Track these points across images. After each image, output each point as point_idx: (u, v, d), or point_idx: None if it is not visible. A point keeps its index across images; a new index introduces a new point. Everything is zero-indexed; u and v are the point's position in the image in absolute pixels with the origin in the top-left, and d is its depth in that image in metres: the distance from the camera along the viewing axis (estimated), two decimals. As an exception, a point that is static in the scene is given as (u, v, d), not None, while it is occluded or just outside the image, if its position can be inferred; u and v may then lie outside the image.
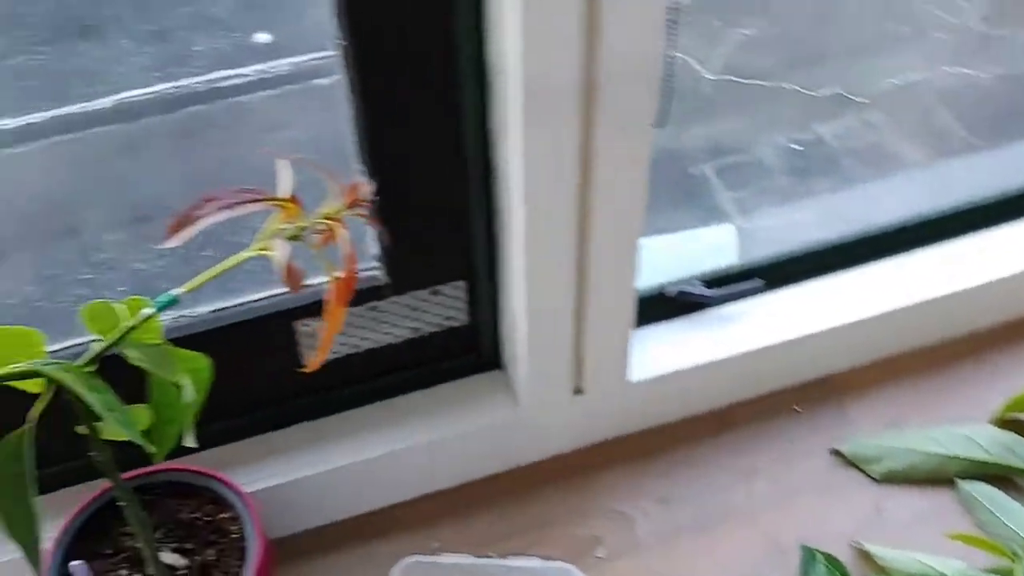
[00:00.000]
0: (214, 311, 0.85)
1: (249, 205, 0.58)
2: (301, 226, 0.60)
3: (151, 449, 0.64)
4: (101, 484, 0.81)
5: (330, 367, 0.89)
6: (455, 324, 0.90)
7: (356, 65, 0.72)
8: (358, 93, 0.73)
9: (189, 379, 0.63)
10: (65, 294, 1.05)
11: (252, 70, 1.30)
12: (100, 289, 1.07)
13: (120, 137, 1.24)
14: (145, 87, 1.25)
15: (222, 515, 0.80)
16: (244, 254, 0.60)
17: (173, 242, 0.57)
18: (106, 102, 1.24)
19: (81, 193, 1.18)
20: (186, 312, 0.84)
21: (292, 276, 0.57)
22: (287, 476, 0.88)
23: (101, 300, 0.64)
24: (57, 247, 1.11)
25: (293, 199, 0.61)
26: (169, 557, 0.77)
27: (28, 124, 1.20)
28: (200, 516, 0.81)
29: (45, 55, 1.26)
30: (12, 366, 0.60)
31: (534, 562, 0.85)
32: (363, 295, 0.85)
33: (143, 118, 1.24)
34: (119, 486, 0.69)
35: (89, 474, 0.84)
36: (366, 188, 0.61)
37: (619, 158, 0.75)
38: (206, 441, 0.72)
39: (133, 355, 0.62)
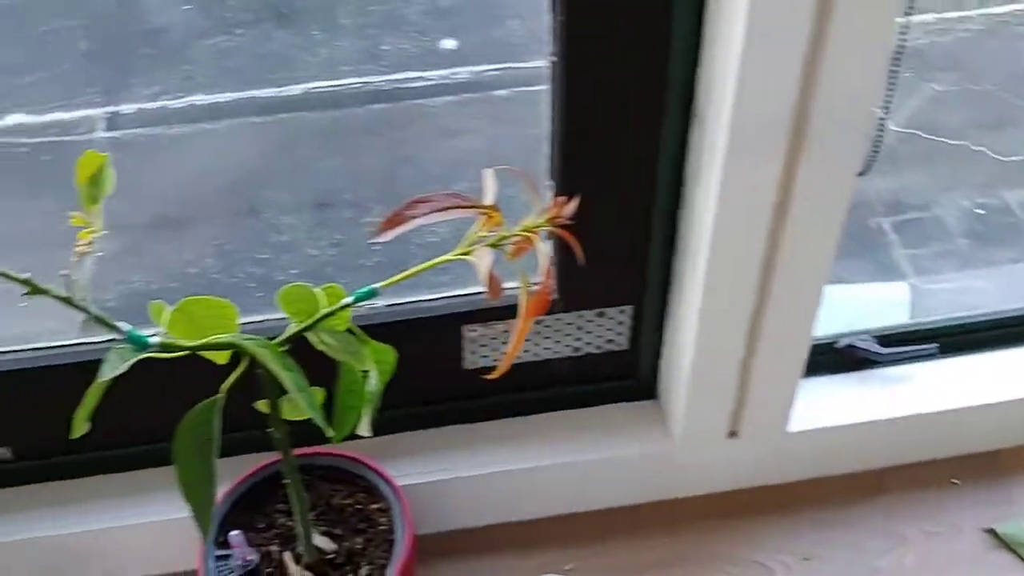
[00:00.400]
0: (388, 305, 0.86)
1: (457, 210, 0.59)
2: (503, 235, 0.61)
3: (330, 433, 0.66)
4: (261, 458, 0.83)
5: (488, 375, 0.90)
6: (615, 348, 0.90)
7: (565, 81, 0.72)
8: (561, 109, 0.74)
9: (376, 369, 0.65)
10: (241, 270, 1.09)
11: (436, 75, 1.32)
12: (273, 270, 1.10)
13: (305, 125, 1.28)
14: (333, 80, 1.29)
15: (373, 505, 0.82)
16: (446, 257, 0.61)
17: (384, 238, 0.58)
18: (296, 90, 1.28)
19: (264, 175, 1.23)
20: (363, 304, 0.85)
21: (493, 284, 0.57)
22: (435, 475, 0.89)
23: (300, 284, 0.66)
24: (238, 224, 1.15)
25: (496, 208, 0.62)
26: (319, 540, 0.79)
27: (219, 102, 1.25)
28: (352, 503, 0.82)
29: (241, 38, 1.31)
30: (213, 337, 0.62)
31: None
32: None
33: (328, 110, 1.28)
34: (289, 465, 0.72)
35: (245, 447, 0.87)
36: (569, 206, 0.61)
37: (817, 204, 0.74)
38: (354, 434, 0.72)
39: (326, 341, 0.64)
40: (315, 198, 1.20)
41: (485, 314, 0.86)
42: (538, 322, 0.87)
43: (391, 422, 0.91)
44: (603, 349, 0.90)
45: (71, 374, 0.82)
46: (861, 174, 0.75)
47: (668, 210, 0.80)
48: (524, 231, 0.61)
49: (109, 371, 0.59)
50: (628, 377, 0.92)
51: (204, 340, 0.62)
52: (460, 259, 0.60)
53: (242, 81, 1.29)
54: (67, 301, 0.58)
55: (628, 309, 0.87)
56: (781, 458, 0.94)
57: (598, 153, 0.76)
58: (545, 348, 0.89)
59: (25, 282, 0.56)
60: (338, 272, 1.13)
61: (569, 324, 0.87)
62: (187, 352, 0.62)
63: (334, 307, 0.64)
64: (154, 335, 0.61)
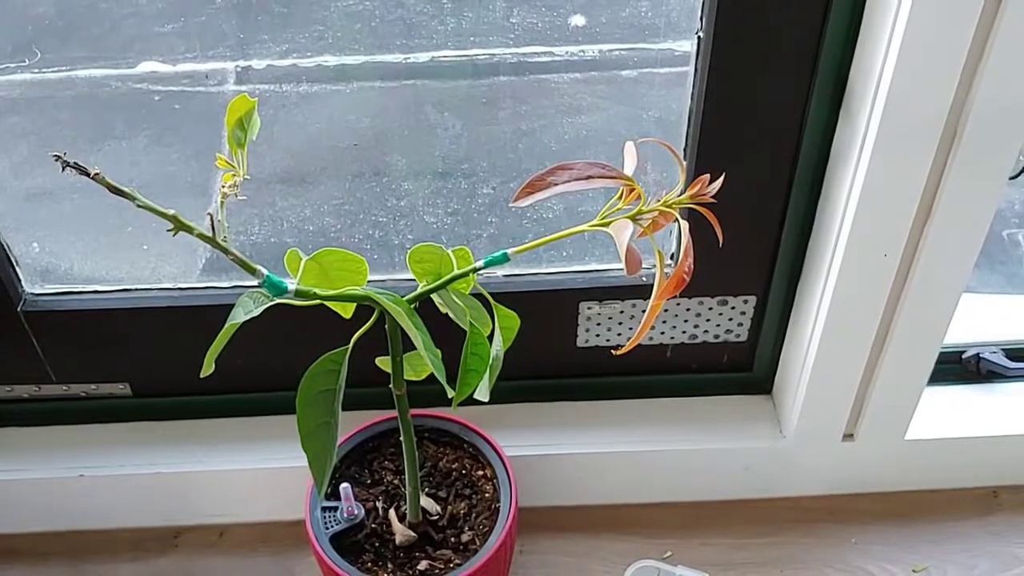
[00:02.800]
0: (507, 276, 0.86)
1: (599, 180, 0.59)
2: (641, 209, 0.60)
3: (451, 394, 0.66)
4: (368, 416, 0.84)
5: (600, 354, 0.89)
6: (733, 339, 0.88)
7: (710, 59, 0.71)
8: (702, 87, 0.72)
9: (501, 335, 0.65)
10: (358, 231, 1.10)
11: (563, 51, 1.31)
12: (389, 233, 1.11)
13: (429, 93, 1.28)
14: (460, 50, 1.28)
15: (479, 472, 0.82)
16: (581, 227, 0.60)
17: (523, 202, 0.58)
18: (422, 57, 1.28)
19: (386, 139, 1.23)
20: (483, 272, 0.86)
21: (632, 258, 0.56)
22: (540, 449, 0.88)
23: (431, 244, 0.66)
24: (358, 186, 1.16)
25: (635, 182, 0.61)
26: (425, 501, 0.79)
27: (346, 64, 1.26)
28: (458, 468, 0.82)
29: (372, 2, 1.31)
30: (348, 289, 0.63)
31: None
32: (651, 290, 0.84)
33: (453, 79, 1.28)
34: (406, 424, 0.72)
35: (354, 404, 0.87)
36: (714, 184, 0.60)
37: (965, 205, 0.71)
38: (468, 398, 0.72)
39: (454, 302, 0.64)
40: (434, 166, 1.20)
41: (603, 292, 0.85)
42: (657, 305, 0.85)
43: (499, 392, 0.90)
44: (720, 339, 0.88)
45: (191, 317, 0.85)
46: (1013, 178, 0.71)
47: (805, 201, 0.78)
48: (664, 207, 0.60)
49: (242, 314, 0.60)
50: (743, 369, 0.91)
51: (339, 291, 0.62)
52: (599, 229, 0.59)
53: (370, 45, 1.29)
54: (210, 240, 0.59)
55: (751, 299, 0.85)
56: (895, 466, 0.91)
57: (738, 135, 0.74)
58: (661, 332, 0.87)
59: (172, 218, 0.57)
60: (452, 240, 1.13)
61: (688, 310, 0.86)
62: (318, 302, 0.63)
63: (465, 269, 0.64)
64: (289, 283, 0.62)
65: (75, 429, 0.90)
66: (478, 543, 0.77)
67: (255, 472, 0.87)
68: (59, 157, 0.54)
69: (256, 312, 0.61)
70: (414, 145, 1.25)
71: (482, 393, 0.67)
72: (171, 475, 0.87)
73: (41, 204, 1.03)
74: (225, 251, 0.59)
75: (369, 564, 0.76)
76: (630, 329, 0.87)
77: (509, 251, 0.63)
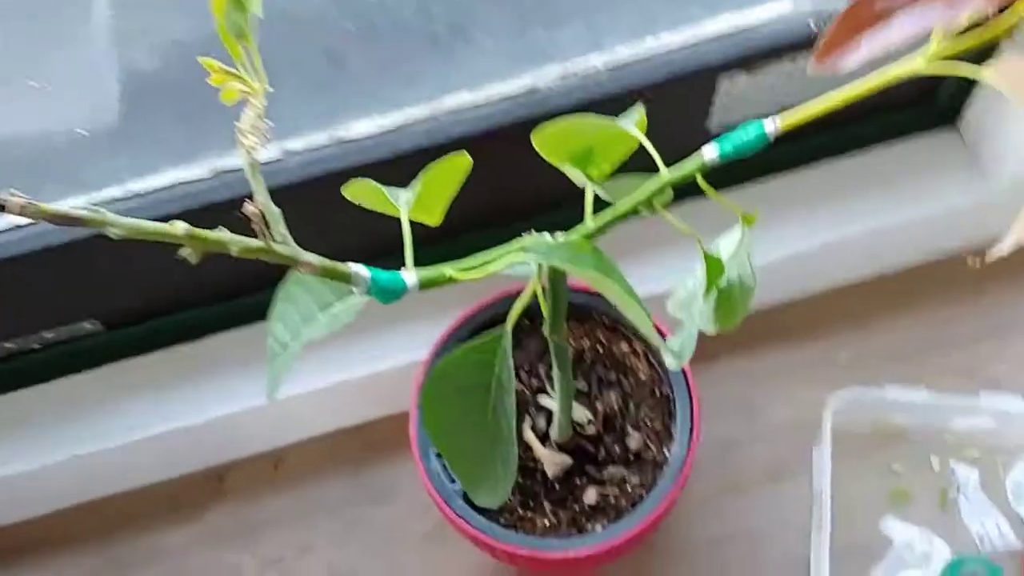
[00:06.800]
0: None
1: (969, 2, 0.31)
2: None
3: (673, 362, 0.41)
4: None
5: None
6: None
7: None
8: None
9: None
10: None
11: None
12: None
13: None
14: None
15: (623, 345, 0.58)
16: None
17: (837, 66, 0.30)
18: None
19: None
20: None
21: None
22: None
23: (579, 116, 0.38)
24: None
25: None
26: (578, 412, 0.56)
27: None
28: (591, 346, 0.59)
29: None
30: (500, 253, 0.36)
31: (1016, 405, 0.63)
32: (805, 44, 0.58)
33: None
34: (564, 367, 0.48)
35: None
36: None
37: None
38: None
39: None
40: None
41: (746, 60, 0.58)
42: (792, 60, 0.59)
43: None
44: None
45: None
46: None
47: None
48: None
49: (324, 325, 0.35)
50: (922, 103, 0.66)
51: (481, 264, 0.35)
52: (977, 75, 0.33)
53: None
54: (265, 252, 0.31)
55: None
56: None
57: None
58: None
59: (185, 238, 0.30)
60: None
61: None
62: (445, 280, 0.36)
63: (688, 170, 0.37)
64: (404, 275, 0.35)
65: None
66: (652, 447, 0.56)
67: (311, 395, 0.64)
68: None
69: (347, 320, 0.35)
70: None
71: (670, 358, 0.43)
72: (191, 427, 0.63)
73: None
74: (294, 262, 0.32)
75: (519, 511, 0.55)
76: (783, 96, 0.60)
77: (768, 127, 0.36)
